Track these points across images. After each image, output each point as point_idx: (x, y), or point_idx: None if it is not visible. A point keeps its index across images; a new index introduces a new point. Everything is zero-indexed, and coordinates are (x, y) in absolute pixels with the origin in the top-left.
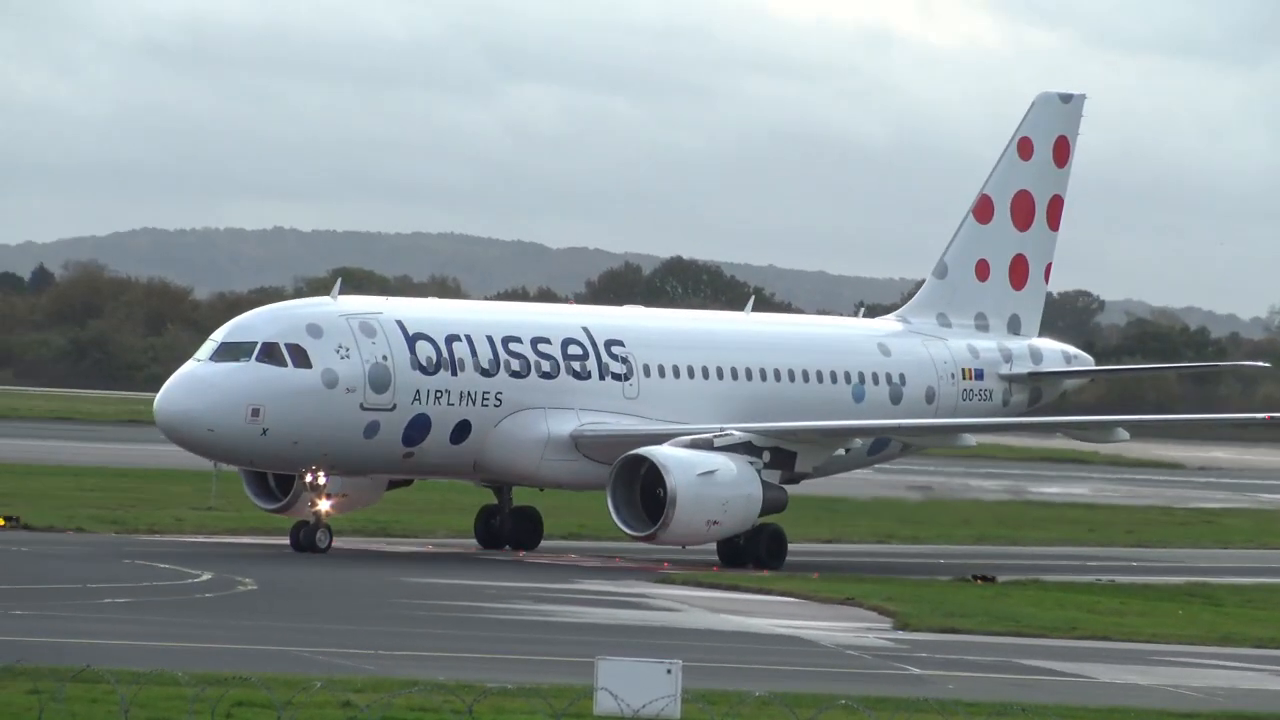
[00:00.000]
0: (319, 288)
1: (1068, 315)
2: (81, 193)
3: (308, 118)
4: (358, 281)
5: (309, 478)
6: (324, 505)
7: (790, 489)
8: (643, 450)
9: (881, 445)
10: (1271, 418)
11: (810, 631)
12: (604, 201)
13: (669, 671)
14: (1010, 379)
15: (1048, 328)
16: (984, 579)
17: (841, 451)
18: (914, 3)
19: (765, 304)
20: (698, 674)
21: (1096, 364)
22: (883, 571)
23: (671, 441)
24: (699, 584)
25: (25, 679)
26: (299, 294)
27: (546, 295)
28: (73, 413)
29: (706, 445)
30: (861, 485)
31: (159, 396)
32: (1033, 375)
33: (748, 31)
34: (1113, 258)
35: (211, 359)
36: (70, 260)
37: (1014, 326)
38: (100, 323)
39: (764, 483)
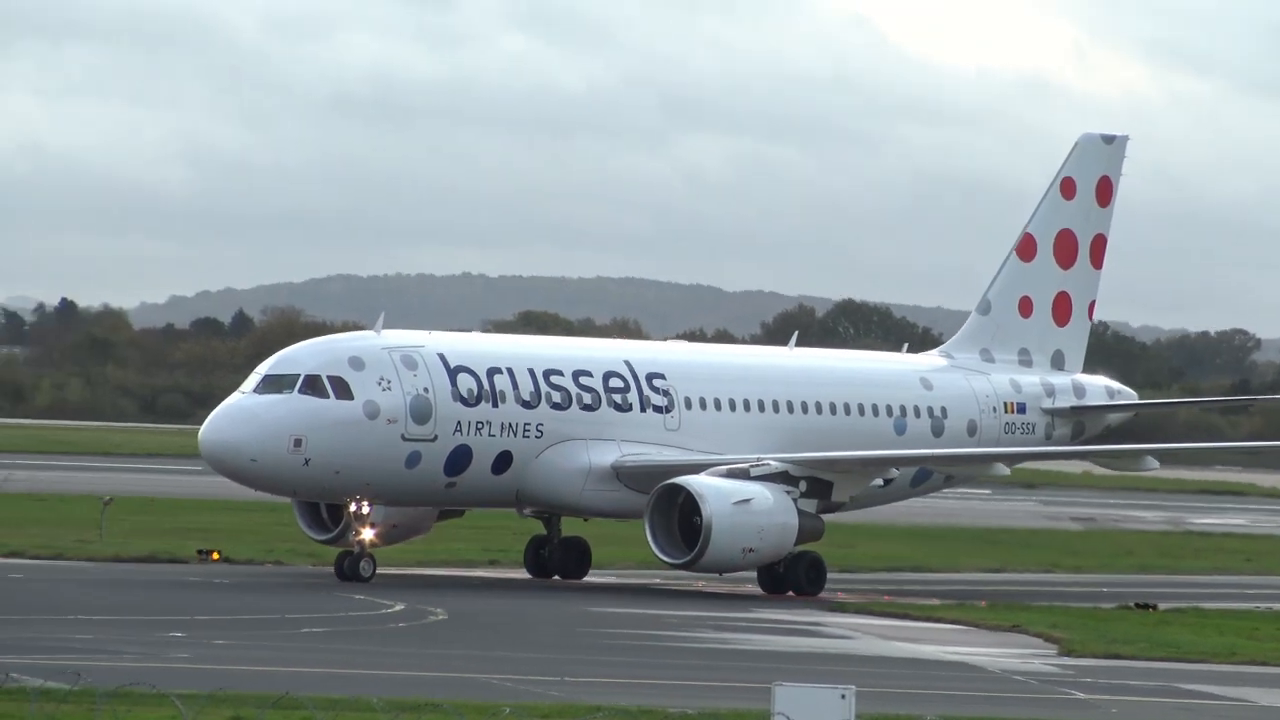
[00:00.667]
0: (505, 330)
1: (1224, 353)
2: (278, 241)
3: (491, 167)
4: (542, 323)
5: (353, 507)
6: (368, 534)
7: (943, 521)
8: (679, 479)
9: (924, 476)
10: None
11: (978, 658)
12: (776, 245)
13: (843, 697)
14: (1053, 413)
15: (1203, 365)
16: (1145, 606)
17: (880, 482)
18: (1069, 53)
19: (933, 342)
20: (871, 699)
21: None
22: (1047, 599)
23: (708, 471)
24: (870, 612)
25: (228, 706)
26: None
27: (723, 336)
28: None
29: (743, 475)
30: (1026, 517)
31: (204, 427)
32: (1075, 409)
33: (909, 81)
34: (1269, 298)
35: (255, 391)
36: (268, 305)
37: (1058, 362)
38: None
39: (800, 511)
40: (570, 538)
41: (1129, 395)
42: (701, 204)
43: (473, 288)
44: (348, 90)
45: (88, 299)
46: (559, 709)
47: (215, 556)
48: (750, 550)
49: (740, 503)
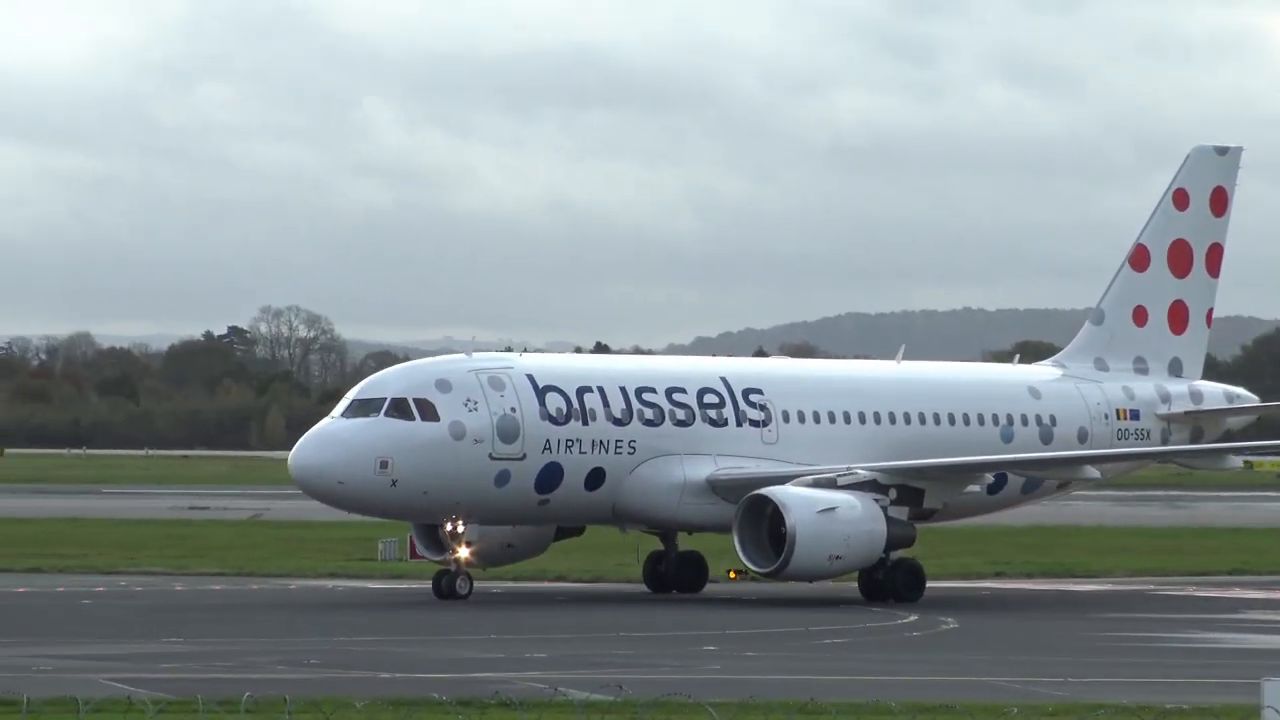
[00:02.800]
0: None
1: None
2: (788, 283)
3: (979, 208)
4: (1040, 353)
5: (449, 527)
6: (464, 553)
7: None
8: (765, 490)
9: (1034, 485)
10: None
11: None
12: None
13: None
14: (1169, 419)
15: None
16: None
17: (977, 488)
18: None
19: None
20: None
21: None
22: None
23: (795, 481)
24: None
25: (758, 713)
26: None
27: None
28: None
29: (830, 484)
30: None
31: (293, 452)
32: (1189, 414)
33: None
34: None
35: (343, 415)
36: (785, 343)
37: (1175, 369)
38: None
39: (890, 519)
40: (687, 552)
41: (1248, 399)
42: None
43: (973, 321)
44: (844, 141)
45: (619, 342)
46: (1064, 708)
47: (732, 575)
48: (837, 558)
49: (825, 511)
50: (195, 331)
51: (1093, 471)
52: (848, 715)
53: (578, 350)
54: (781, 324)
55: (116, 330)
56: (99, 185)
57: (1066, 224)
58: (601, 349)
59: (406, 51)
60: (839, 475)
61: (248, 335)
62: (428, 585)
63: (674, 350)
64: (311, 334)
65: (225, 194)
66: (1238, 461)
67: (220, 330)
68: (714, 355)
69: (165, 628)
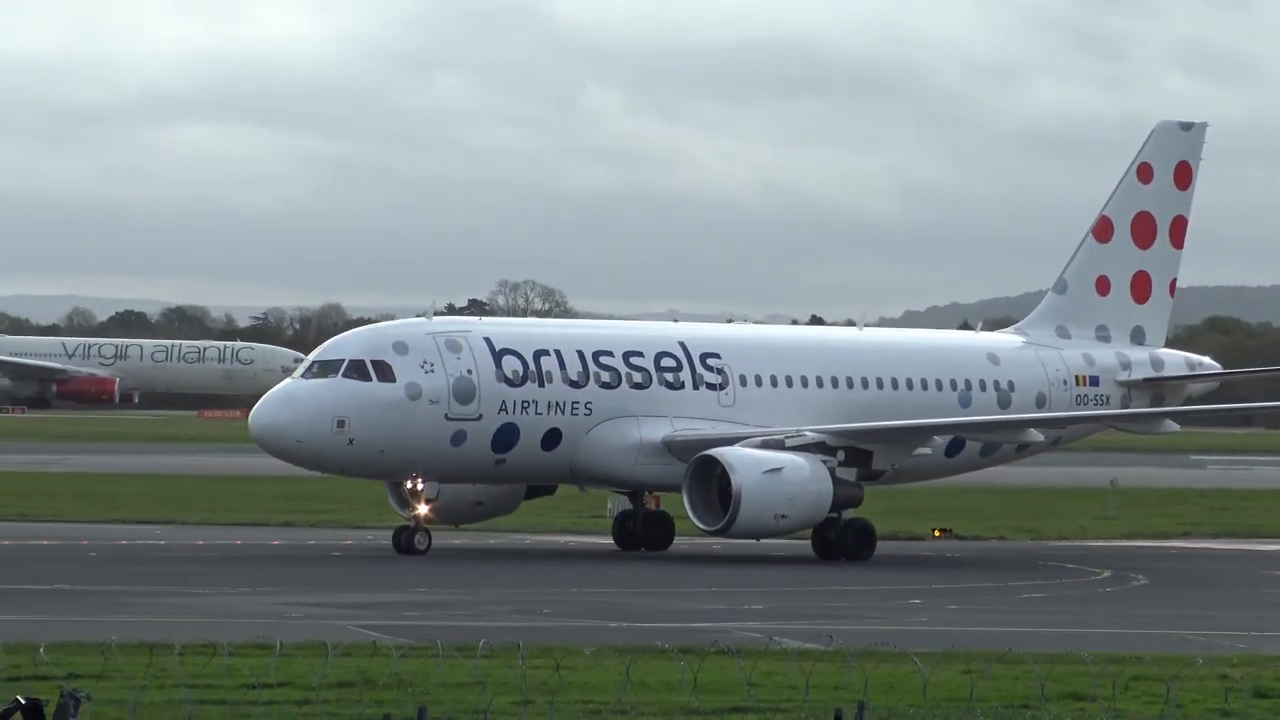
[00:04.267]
0: (1195, 333)
1: None
2: (990, 262)
3: None
4: (1225, 328)
5: (408, 485)
6: (423, 510)
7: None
8: (713, 451)
9: (992, 448)
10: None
11: None
12: None
13: None
14: (1129, 385)
15: None
16: None
17: (927, 451)
18: None
19: None
20: None
21: None
22: None
23: (744, 442)
24: None
25: (959, 662)
26: None
27: None
28: None
29: (778, 445)
30: None
31: (253, 411)
32: (1150, 381)
33: None
34: None
35: (303, 377)
36: (988, 317)
37: (1138, 337)
38: None
39: (838, 480)
40: (655, 511)
41: (1211, 367)
42: None
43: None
44: (1039, 129)
45: (832, 315)
46: (1245, 659)
47: (938, 533)
48: (782, 516)
49: (771, 471)
50: (439, 303)
51: (1036, 435)
52: (1043, 664)
53: (794, 323)
54: (985, 299)
55: (363, 302)
56: (343, 167)
57: (1246, 207)
58: (816, 321)
59: (628, 43)
60: (787, 437)
61: (486, 307)
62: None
63: (884, 324)
64: (546, 306)
65: (460, 176)
66: (1174, 425)
67: (461, 303)
68: (923, 328)
69: (409, 579)
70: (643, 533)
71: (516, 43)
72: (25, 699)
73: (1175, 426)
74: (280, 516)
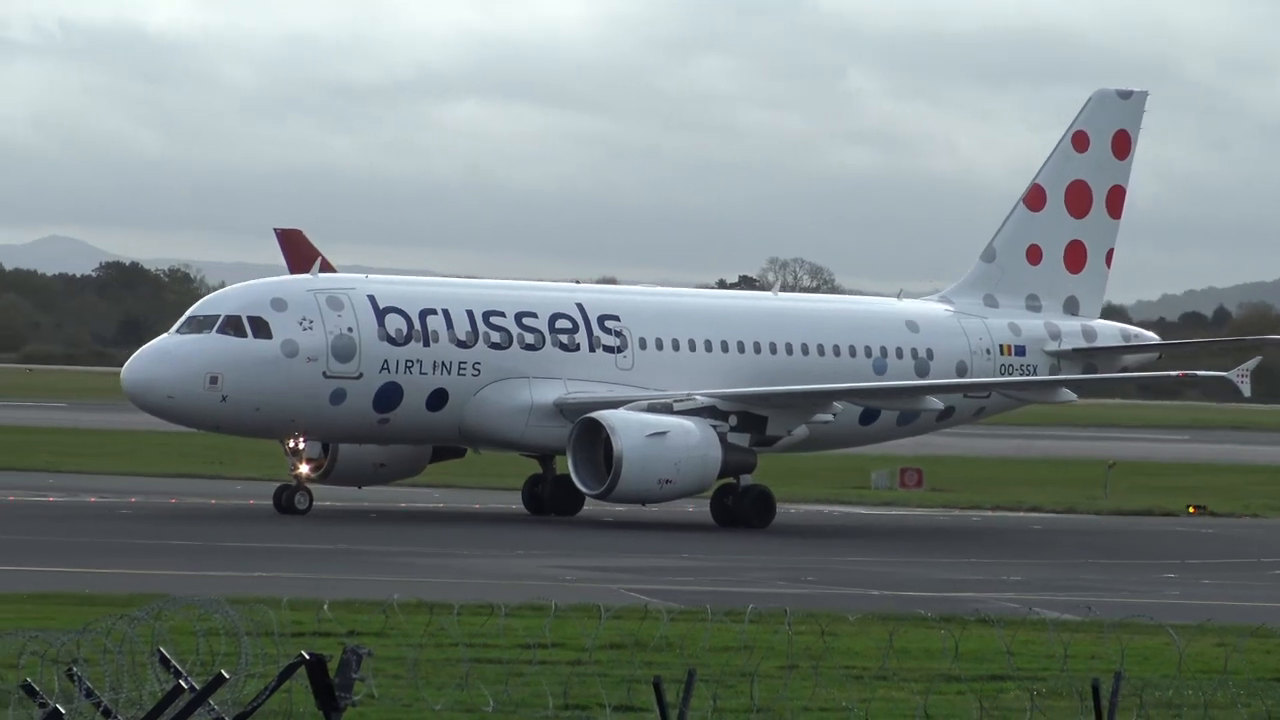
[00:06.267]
0: None
1: None
2: (1246, 247)
3: None
4: None
5: (290, 443)
6: (304, 469)
7: None
8: (595, 414)
9: (910, 417)
10: (1186, 375)
11: None
12: None
13: None
14: (1058, 355)
15: None
16: None
17: (827, 417)
18: None
19: None
20: None
21: None
22: None
23: (629, 406)
24: None
25: (1213, 635)
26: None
27: None
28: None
29: (666, 409)
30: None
31: (125, 366)
32: (1081, 351)
33: None
34: None
35: (178, 331)
36: (1244, 301)
37: (1070, 307)
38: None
39: (730, 445)
40: (563, 476)
41: (1147, 339)
42: None
43: None
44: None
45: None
46: None
47: (1192, 510)
48: (667, 481)
49: (655, 435)
50: (709, 279)
51: (935, 402)
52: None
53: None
54: (1241, 283)
55: (638, 276)
56: (612, 147)
57: None
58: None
59: (888, 29)
60: (676, 400)
61: (756, 284)
62: (914, 512)
63: (1141, 306)
64: (814, 284)
65: (725, 157)
66: (1070, 395)
67: (732, 279)
68: (1177, 313)
69: (679, 544)
70: (551, 496)
71: (778, 28)
72: (310, 654)
73: (1072, 396)
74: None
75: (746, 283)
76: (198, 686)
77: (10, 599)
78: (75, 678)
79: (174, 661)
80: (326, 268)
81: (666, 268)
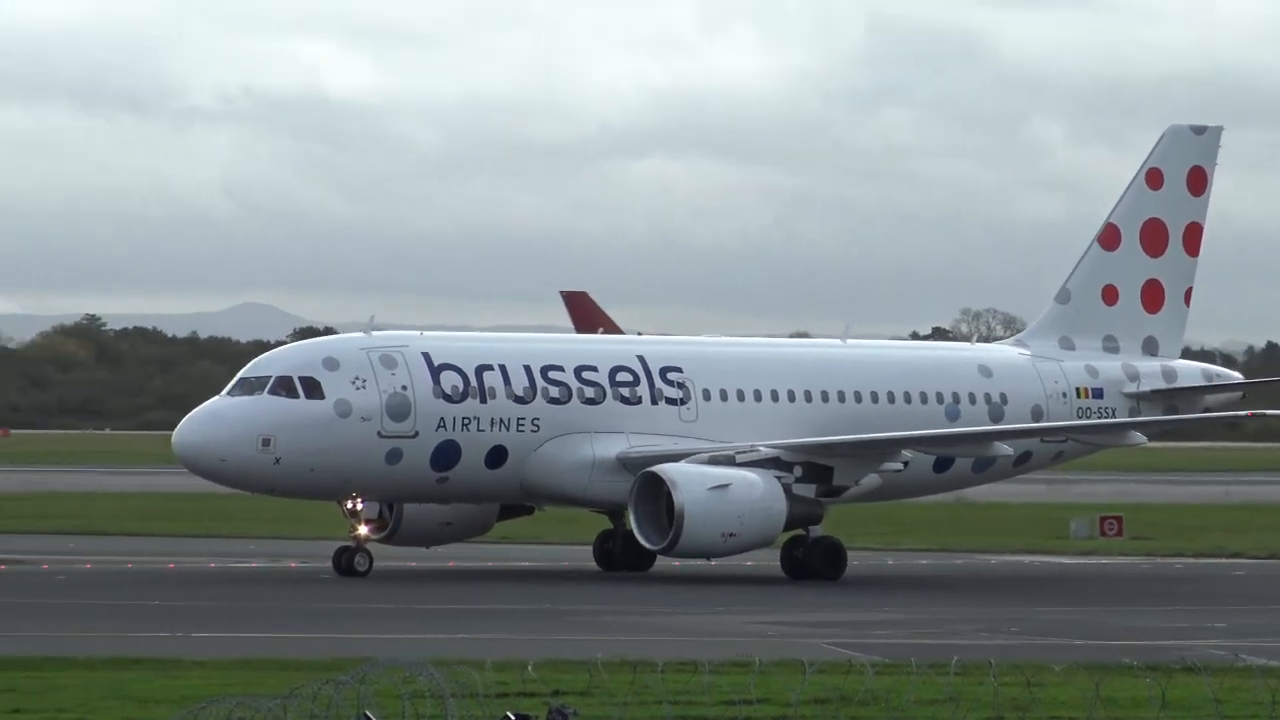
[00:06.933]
0: None
1: None
2: None
3: None
4: None
5: (348, 504)
6: (363, 530)
7: None
8: (656, 468)
9: (985, 464)
10: (1255, 414)
11: None
12: None
13: None
14: (1138, 396)
15: None
16: None
17: (896, 466)
18: None
19: None
20: None
21: None
22: None
23: (691, 459)
24: None
25: None
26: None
27: None
28: None
29: (729, 461)
30: None
31: (176, 430)
32: (1161, 393)
33: None
34: None
35: (229, 394)
36: None
37: (1150, 348)
38: None
39: (795, 496)
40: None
41: (1230, 378)
42: None
43: None
44: None
45: None
46: None
47: None
48: (731, 535)
49: (717, 488)
50: (901, 331)
51: (1005, 448)
52: None
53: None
54: None
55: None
56: (798, 199)
57: None
58: (1272, 347)
59: (1070, 76)
60: (739, 452)
61: (949, 334)
62: (1115, 560)
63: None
64: (1006, 333)
65: (911, 208)
66: (1140, 437)
67: (925, 330)
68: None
69: (875, 598)
70: (622, 552)
71: (961, 78)
72: (515, 715)
73: (1142, 439)
74: None
75: (939, 334)
76: None
77: (212, 665)
78: None
79: None
80: (612, 329)
81: (858, 320)
